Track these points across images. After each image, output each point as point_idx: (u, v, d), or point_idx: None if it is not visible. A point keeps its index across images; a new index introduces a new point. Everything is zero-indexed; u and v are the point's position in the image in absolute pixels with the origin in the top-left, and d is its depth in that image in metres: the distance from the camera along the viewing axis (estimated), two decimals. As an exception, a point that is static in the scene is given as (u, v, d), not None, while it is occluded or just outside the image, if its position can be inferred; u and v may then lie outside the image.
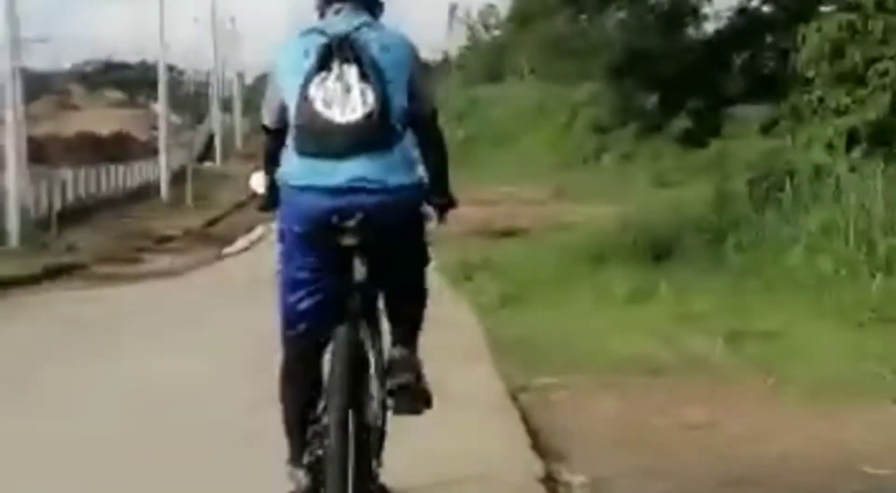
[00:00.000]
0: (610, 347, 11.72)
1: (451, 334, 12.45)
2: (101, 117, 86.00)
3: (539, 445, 7.67)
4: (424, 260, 5.21)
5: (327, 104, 4.74)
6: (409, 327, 5.14)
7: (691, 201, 23.69)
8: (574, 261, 20.70)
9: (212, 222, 45.32)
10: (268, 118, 5.20)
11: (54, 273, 28.19)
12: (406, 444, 5.61)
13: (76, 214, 44.21)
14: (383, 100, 4.77)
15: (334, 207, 4.76)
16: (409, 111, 4.97)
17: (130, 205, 50.73)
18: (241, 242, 37.13)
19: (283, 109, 5.00)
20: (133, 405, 9.29)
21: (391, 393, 4.94)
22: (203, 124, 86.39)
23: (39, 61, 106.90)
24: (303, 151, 4.85)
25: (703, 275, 16.58)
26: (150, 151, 63.99)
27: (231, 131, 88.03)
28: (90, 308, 19.20)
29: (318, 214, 4.80)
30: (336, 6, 5.02)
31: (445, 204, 5.41)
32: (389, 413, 5.02)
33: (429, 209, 5.29)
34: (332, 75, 4.76)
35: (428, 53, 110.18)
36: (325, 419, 4.70)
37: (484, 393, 9.33)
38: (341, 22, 4.93)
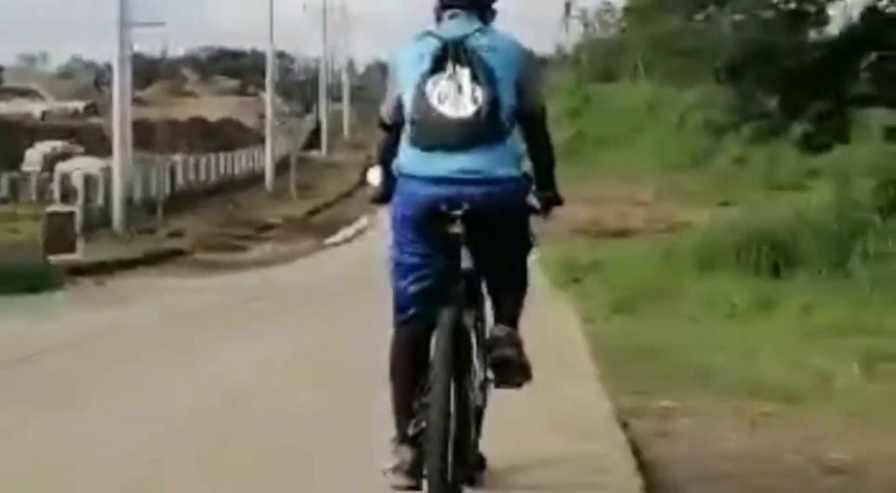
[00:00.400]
0: (733, 367, 10.52)
1: (554, 342, 11.38)
2: (212, 104, 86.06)
3: (652, 486, 6.22)
4: (527, 248, 5.39)
5: (441, 101, 5.00)
6: (511, 307, 5.29)
7: (809, 207, 22.27)
8: (685, 266, 19.45)
9: (314, 212, 44.59)
10: (386, 114, 5.40)
11: (156, 258, 27.65)
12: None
13: (183, 200, 43.81)
14: (492, 98, 5.02)
15: (444, 196, 4.99)
16: (518, 109, 5.18)
17: (236, 192, 50.22)
18: (343, 233, 36.28)
19: (400, 106, 5.23)
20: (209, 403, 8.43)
21: (494, 366, 5.13)
22: (311, 113, 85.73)
23: (153, 47, 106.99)
24: (417, 144, 5.10)
25: (827, 286, 15.28)
26: (258, 138, 63.49)
27: (339, 120, 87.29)
28: (186, 298, 18.48)
29: (429, 201, 5.02)
30: (451, 12, 5.27)
31: (551, 199, 5.53)
32: (489, 392, 5.34)
33: (534, 201, 5.41)
34: (447, 75, 5.02)
35: (542, 49, 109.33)
36: (430, 395, 4.82)
37: (588, 416, 7.75)
38: (456, 27, 5.19)
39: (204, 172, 49.89)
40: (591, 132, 69.49)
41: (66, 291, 19.72)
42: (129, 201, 35.15)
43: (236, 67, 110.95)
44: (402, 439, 5.12)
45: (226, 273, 25.26)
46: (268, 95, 56.38)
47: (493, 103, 5.03)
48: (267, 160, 54.23)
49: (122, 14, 37.01)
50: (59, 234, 26.48)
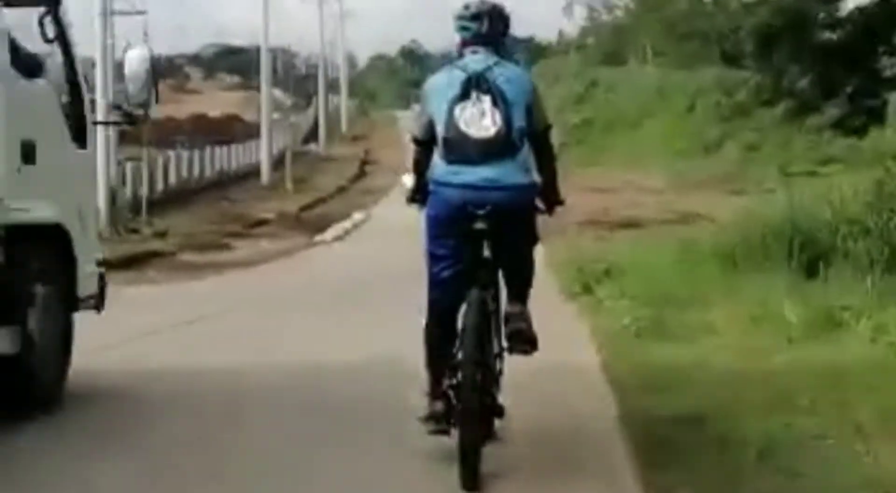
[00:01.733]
0: (845, 456, 6.77)
1: (565, 392, 8.80)
2: (215, 100, 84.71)
3: None
4: (534, 241, 6.62)
5: (467, 124, 6.25)
6: (521, 288, 6.57)
7: (837, 196, 19.40)
8: (707, 264, 16.78)
9: (308, 207, 42.04)
10: (419, 132, 6.68)
11: (130, 262, 25.07)
12: None
13: (177, 197, 41.41)
14: (508, 121, 6.28)
15: (470, 199, 6.25)
16: (527, 129, 6.41)
17: (232, 187, 47.77)
18: (335, 230, 33.66)
19: (431, 126, 6.50)
20: None
21: (509, 337, 6.47)
22: (311, 107, 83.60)
23: (161, 46, 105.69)
24: (448, 158, 6.38)
25: (881, 291, 12.60)
26: (258, 133, 61.17)
27: (337, 113, 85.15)
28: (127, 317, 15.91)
29: (458, 203, 6.28)
30: (472, 49, 6.54)
31: (554, 201, 6.73)
32: (505, 355, 6.57)
33: (540, 204, 6.63)
34: (471, 102, 6.28)
35: (545, 33, 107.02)
36: (461, 356, 6.12)
37: None
38: (477, 62, 6.44)
39: (199, 168, 47.43)
40: (599, 118, 66.99)
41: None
42: (113, 200, 32.57)
43: (241, 64, 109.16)
44: (435, 394, 6.32)
45: (201, 277, 22.80)
46: (263, 89, 53.86)
47: (509, 125, 6.18)
48: (263, 155, 51.73)
49: (105, 4, 34.54)
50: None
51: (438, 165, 6.47)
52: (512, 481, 6.27)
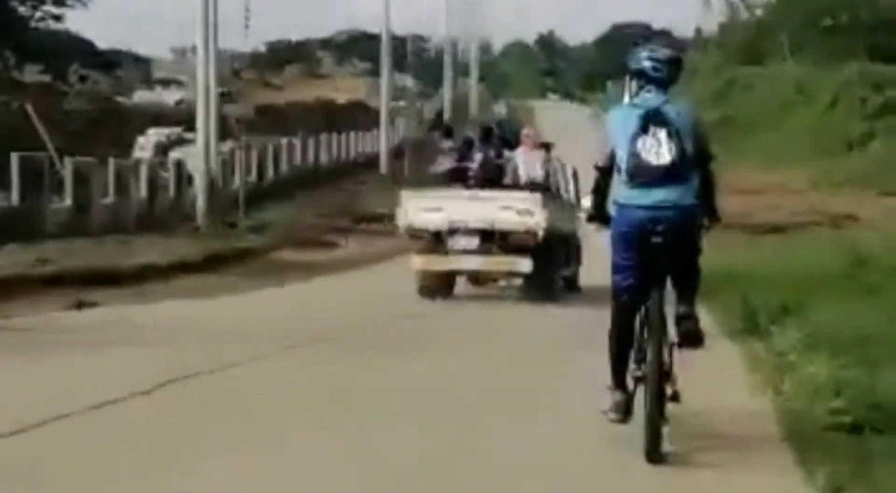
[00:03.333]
0: None
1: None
2: (344, 86, 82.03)
3: None
4: (699, 252, 7.25)
5: (648, 154, 6.91)
6: (690, 293, 7.22)
7: None
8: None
9: (427, 199, 38.60)
10: (601, 161, 7.32)
11: (219, 261, 21.80)
12: None
13: (288, 187, 38.27)
14: (681, 151, 6.99)
15: (648, 218, 7.00)
16: (696, 158, 7.11)
17: (351, 178, 44.49)
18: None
19: (612, 155, 7.18)
20: None
21: (682, 336, 7.17)
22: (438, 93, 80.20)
23: (290, 31, 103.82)
24: (630, 182, 7.05)
25: None
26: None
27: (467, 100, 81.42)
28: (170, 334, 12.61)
29: (638, 221, 7.04)
30: (647, 88, 7.18)
31: (715, 219, 7.47)
32: (675, 350, 7.20)
33: (704, 220, 7.35)
34: (650, 135, 6.97)
35: (682, 30, 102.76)
36: (648, 350, 7.04)
37: None
38: (652, 100, 7.13)
39: (315, 156, 44.27)
40: (738, 116, 62.48)
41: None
42: (211, 191, 29.40)
43: (373, 50, 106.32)
44: (617, 385, 7.12)
45: (290, 281, 19.56)
46: (383, 75, 50.48)
47: (682, 154, 6.96)
48: (382, 143, 48.42)
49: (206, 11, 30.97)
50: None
51: (621, 189, 7.06)
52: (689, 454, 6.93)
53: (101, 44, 79.33)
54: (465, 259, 17.18)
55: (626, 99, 7.40)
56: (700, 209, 7.20)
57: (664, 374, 7.01)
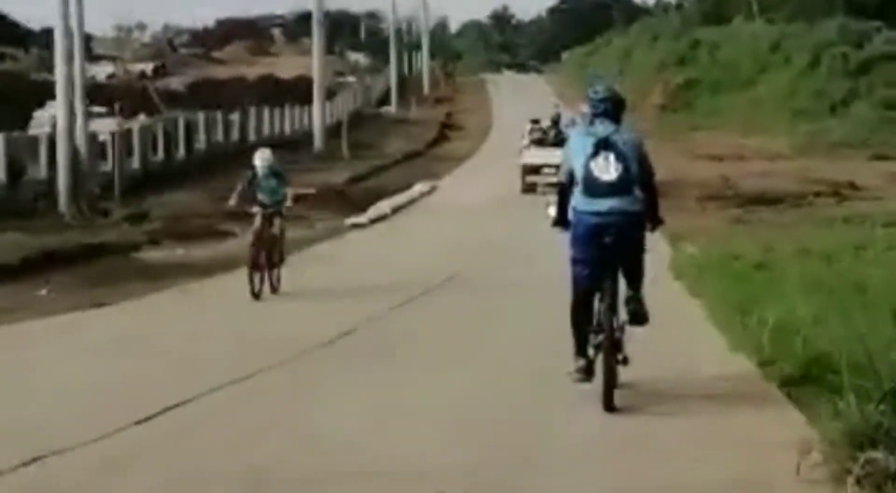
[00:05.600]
0: None
1: None
2: (292, 63, 75.77)
3: None
4: (643, 250, 8.30)
5: (599, 172, 8.02)
6: (637, 281, 8.25)
7: None
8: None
9: (361, 178, 32.28)
10: (563, 177, 8.38)
11: (42, 262, 15.81)
12: None
13: (196, 167, 32.09)
14: (626, 169, 8.06)
15: (600, 222, 8.05)
16: (639, 176, 8.20)
17: (280, 155, 38.05)
18: (381, 208, 23.96)
19: (571, 173, 8.23)
20: None
21: (630, 313, 8.21)
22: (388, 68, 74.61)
23: (247, 8, 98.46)
24: (586, 194, 8.09)
25: None
26: (331, 95, 51.99)
27: (420, 76, 76.04)
28: None
29: (592, 224, 8.07)
30: (599, 119, 8.27)
31: (656, 222, 8.51)
32: (626, 327, 8.25)
33: (647, 224, 8.40)
34: (601, 158, 8.07)
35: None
36: (602, 326, 8.08)
37: None
38: (603, 130, 8.19)
39: (241, 132, 37.93)
40: (705, 79, 56.75)
41: None
42: (75, 172, 23.07)
43: (327, 28, 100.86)
44: (579, 354, 8.14)
45: (131, 293, 13.48)
46: (315, 48, 44.40)
47: (627, 172, 8.03)
48: (316, 118, 42.13)
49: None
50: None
51: (579, 199, 8.15)
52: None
53: (38, 24, 73.38)
54: None
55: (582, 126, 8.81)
56: (643, 215, 8.26)
57: (616, 344, 8.09)
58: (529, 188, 28.30)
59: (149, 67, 67.36)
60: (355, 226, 21.22)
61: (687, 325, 10.69)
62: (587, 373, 8.10)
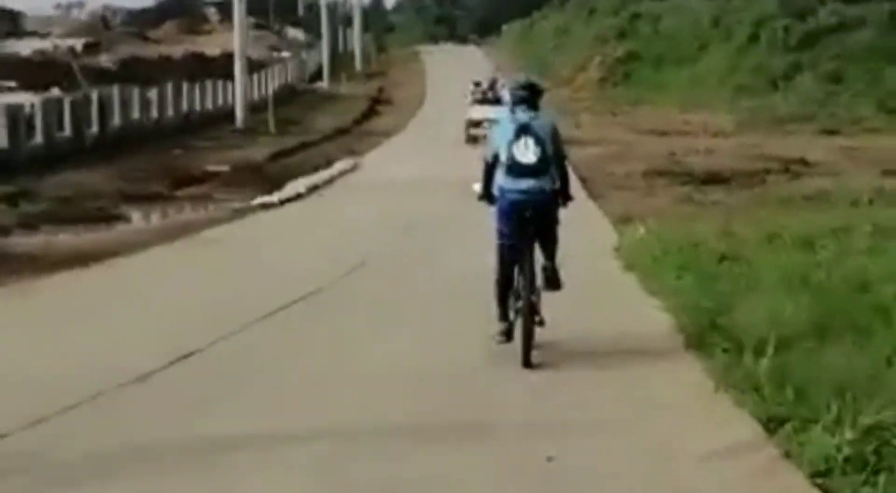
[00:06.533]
0: None
1: None
2: (224, 40, 72.82)
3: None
4: (558, 222, 8.82)
5: (519, 154, 8.60)
6: (551, 252, 8.77)
7: None
8: None
9: (282, 154, 29.80)
10: (489, 158, 8.84)
11: None
12: None
13: (106, 145, 29.53)
14: (543, 152, 8.64)
15: (521, 199, 8.61)
16: (553, 156, 8.77)
17: (201, 132, 35.55)
18: (296, 186, 21.57)
19: (496, 154, 8.72)
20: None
21: (546, 280, 8.72)
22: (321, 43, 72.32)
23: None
24: (508, 174, 8.66)
25: None
26: (258, 70, 49.41)
27: (366, 51, 73.95)
28: None
29: (514, 201, 8.62)
30: (520, 108, 8.86)
31: (566, 198, 8.94)
32: (542, 292, 8.74)
33: (559, 200, 8.93)
34: (521, 142, 8.62)
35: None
36: (520, 293, 8.58)
37: None
38: (523, 116, 8.76)
39: (159, 110, 35.23)
40: (646, 52, 54.51)
41: None
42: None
43: (262, 6, 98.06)
44: (502, 318, 8.65)
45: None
46: (236, 22, 41.62)
47: (544, 154, 8.61)
48: (237, 93, 39.41)
49: None
50: None
51: (502, 178, 8.69)
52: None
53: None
54: None
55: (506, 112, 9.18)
56: (557, 193, 8.83)
57: (533, 307, 8.59)
58: (472, 139, 31.49)
59: (79, 44, 65.14)
60: (264, 206, 18.77)
61: (647, 340, 8.70)
62: (508, 335, 8.72)
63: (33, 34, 69.73)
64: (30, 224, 17.07)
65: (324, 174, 23.82)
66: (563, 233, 8.85)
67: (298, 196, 20.12)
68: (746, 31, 50.52)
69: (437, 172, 24.42)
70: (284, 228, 16.80)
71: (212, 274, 12.22)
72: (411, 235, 15.73)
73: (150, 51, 67.16)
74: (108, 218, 18.16)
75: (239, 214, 18.00)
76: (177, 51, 65.43)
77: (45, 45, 62.56)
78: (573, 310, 9.21)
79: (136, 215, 18.59)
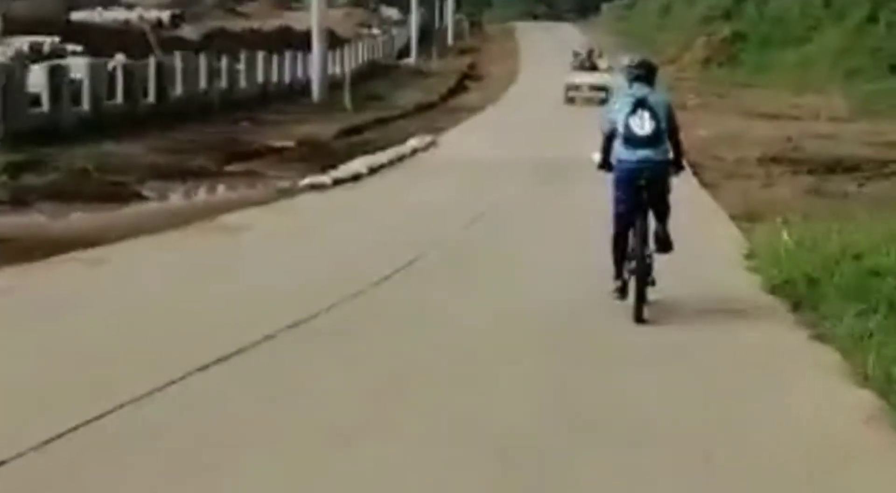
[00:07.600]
0: None
1: None
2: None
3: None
4: (669, 190, 9.05)
5: (636, 127, 8.90)
6: (664, 217, 8.99)
7: None
8: None
9: (352, 130, 26.68)
10: (606, 130, 9.14)
11: None
12: None
13: (165, 114, 26.72)
14: (658, 125, 8.94)
15: (637, 168, 8.87)
16: (668, 130, 9.09)
17: (274, 105, 32.60)
18: (355, 165, 18.30)
19: (613, 127, 9.00)
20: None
21: (657, 242, 8.97)
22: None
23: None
24: (625, 145, 8.93)
25: None
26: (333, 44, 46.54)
27: (458, 28, 71.38)
28: None
29: (629, 170, 8.89)
30: (637, 84, 9.12)
31: (679, 167, 9.27)
32: (655, 255, 8.98)
33: (672, 170, 9.20)
34: (637, 115, 8.93)
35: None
36: (635, 254, 8.79)
37: None
38: (639, 91, 9.07)
39: (229, 80, 32.36)
40: (753, 33, 50.71)
41: None
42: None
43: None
44: (617, 276, 8.93)
45: None
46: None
47: (658, 127, 8.89)
48: (315, 67, 36.26)
49: None
50: None
51: (619, 149, 8.97)
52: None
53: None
54: None
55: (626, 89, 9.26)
56: (670, 163, 9.09)
57: (646, 268, 8.84)
58: (570, 100, 36.58)
59: (165, 15, 63.44)
60: (313, 187, 15.64)
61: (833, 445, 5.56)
62: (622, 292, 8.98)
63: (120, 4, 68.40)
64: (23, 200, 14.12)
65: (392, 152, 20.62)
66: (677, 234, 8.82)
67: (356, 177, 16.93)
68: (863, 12, 46.62)
69: (524, 153, 21.22)
70: (323, 216, 13.71)
71: (181, 282, 9.07)
72: (480, 227, 12.56)
73: (238, 24, 65.20)
74: (123, 196, 15.16)
75: (282, 195, 14.90)
76: (265, 25, 63.73)
77: (131, 15, 61.17)
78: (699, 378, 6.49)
79: (157, 195, 15.52)
